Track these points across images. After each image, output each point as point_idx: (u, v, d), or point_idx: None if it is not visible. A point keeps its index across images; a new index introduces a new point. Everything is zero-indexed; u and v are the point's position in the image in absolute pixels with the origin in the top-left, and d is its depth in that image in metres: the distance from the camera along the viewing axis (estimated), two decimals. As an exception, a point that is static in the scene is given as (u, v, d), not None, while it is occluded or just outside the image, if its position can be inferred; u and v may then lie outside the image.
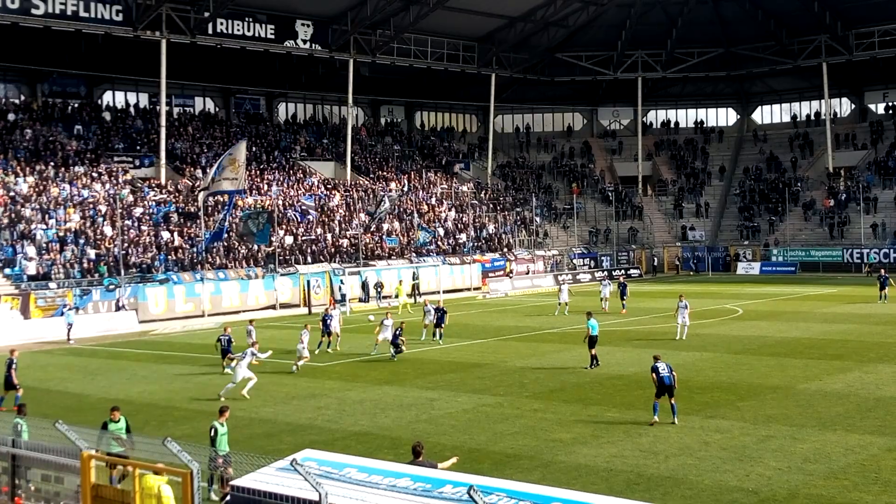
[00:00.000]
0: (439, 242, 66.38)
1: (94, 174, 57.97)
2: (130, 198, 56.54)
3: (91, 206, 54.51)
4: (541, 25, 75.73)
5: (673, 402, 22.31)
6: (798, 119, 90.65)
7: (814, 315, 44.01)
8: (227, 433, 17.83)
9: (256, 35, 64.32)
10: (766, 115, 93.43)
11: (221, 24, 62.24)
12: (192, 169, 63.16)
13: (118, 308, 47.32)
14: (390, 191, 69.94)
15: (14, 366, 26.60)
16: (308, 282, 54.70)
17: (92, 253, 50.45)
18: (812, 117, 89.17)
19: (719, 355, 32.33)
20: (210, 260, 53.27)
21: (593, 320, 31.12)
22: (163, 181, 60.44)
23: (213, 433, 17.59)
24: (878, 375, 27.65)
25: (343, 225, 63.47)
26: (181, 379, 31.17)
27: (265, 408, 25.69)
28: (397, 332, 33.85)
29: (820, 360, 30.72)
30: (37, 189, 54.15)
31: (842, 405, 23.71)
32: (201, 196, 54.95)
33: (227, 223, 53.53)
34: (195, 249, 53.73)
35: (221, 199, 57.02)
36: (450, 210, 72.44)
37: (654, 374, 22.52)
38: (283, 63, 71.11)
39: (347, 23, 67.16)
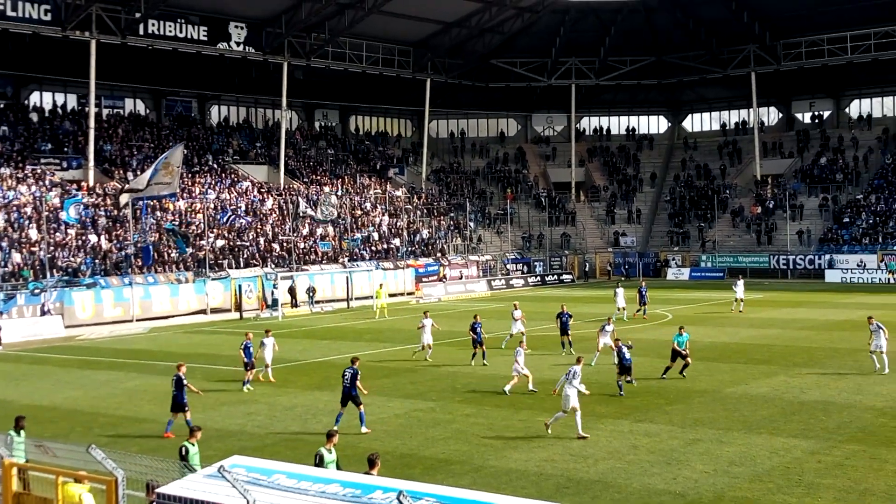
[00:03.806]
0: (373, 247, 66.23)
1: (20, 176, 56.73)
2: (56, 200, 55.42)
3: (16, 208, 53.33)
4: (476, 31, 76.09)
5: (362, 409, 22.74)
6: (727, 127, 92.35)
7: (741, 320, 44.77)
8: (335, 460, 15.66)
9: (189, 37, 63.54)
10: (697, 122, 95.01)
11: (153, 24, 61.38)
12: (121, 171, 62.16)
13: (43, 313, 46.31)
14: (331, 194, 69.67)
15: (185, 383, 22.99)
16: (240, 286, 54.17)
17: (17, 256, 49.36)
18: (741, 126, 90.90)
19: (648, 360, 32.65)
20: (138, 264, 52.42)
21: (684, 334, 29.45)
22: (91, 183, 59.35)
23: (317, 460, 15.49)
24: (802, 380, 28.21)
25: (276, 229, 62.98)
26: (108, 385, 30.63)
27: (194, 413, 25.25)
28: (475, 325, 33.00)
29: (746, 365, 31.26)
30: (-40, 191, 52.86)
31: (767, 409, 24.15)
32: (125, 198, 53.79)
33: (147, 232, 52.32)
34: (123, 253, 52.84)
35: (151, 204, 56.26)
36: (384, 215, 72.34)
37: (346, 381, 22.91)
38: (215, 65, 70.31)
39: (281, 26, 66.72)
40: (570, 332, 35.71)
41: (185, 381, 22.94)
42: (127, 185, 55.19)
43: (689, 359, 29.14)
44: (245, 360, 28.90)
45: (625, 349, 27.71)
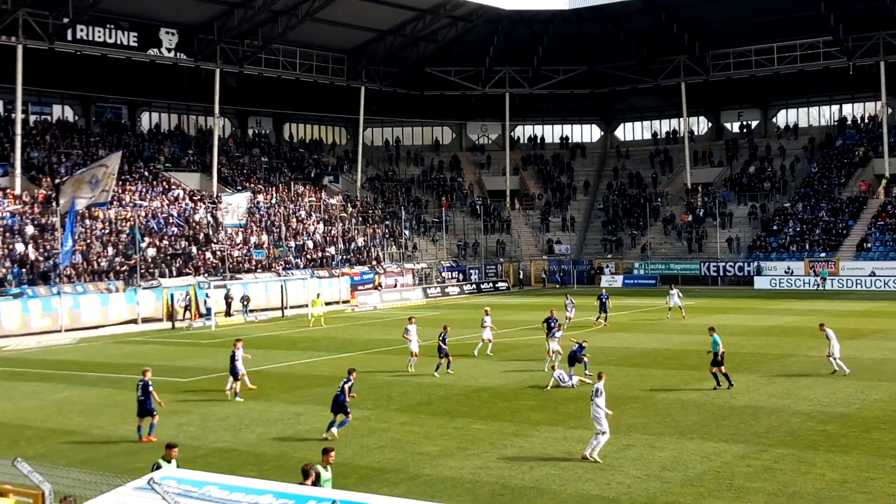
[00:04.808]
0: (308, 255, 65.83)
1: (-56, 183, 55.38)
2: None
3: (-61, 216, 52.04)
4: (410, 40, 76.20)
5: (348, 418, 23.02)
6: (658, 136, 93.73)
7: (673, 327, 45.37)
8: (330, 479, 15.27)
9: (118, 42, 62.59)
10: (629, 131, 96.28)
11: (81, 30, 60.37)
12: (48, 179, 60.87)
13: (-32, 323, 45.22)
14: (257, 203, 69.06)
15: (151, 389, 23.27)
16: (172, 295, 53.41)
17: (-60, 266, 48.14)
18: (671, 135, 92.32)
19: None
20: (68, 273, 51.38)
21: (716, 335, 28.71)
22: (18, 191, 58.11)
23: (314, 478, 14.80)
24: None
25: (209, 237, 62.24)
26: (35, 397, 29.97)
27: (124, 425, 24.92)
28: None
29: (678, 371, 31.66)
30: None
31: (698, 414, 24.48)
32: (81, 203, 52.51)
33: (73, 235, 51.14)
34: (51, 263, 51.79)
35: (80, 212, 55.16)
36: (318, 223, 71.96)
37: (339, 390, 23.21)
38: (146, 71, 69.30)
39: (214, 32, 66.09)
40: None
41: (151, 387, 23.21)
42: (62, 183, 53.83)
43: (720, 369, 28.00)
44: (233, 368, 28.40)
45: (576, 345, 30.00)
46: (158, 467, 15.39)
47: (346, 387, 23.10)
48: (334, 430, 22.65)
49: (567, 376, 29.27)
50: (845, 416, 23.86)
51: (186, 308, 53.20)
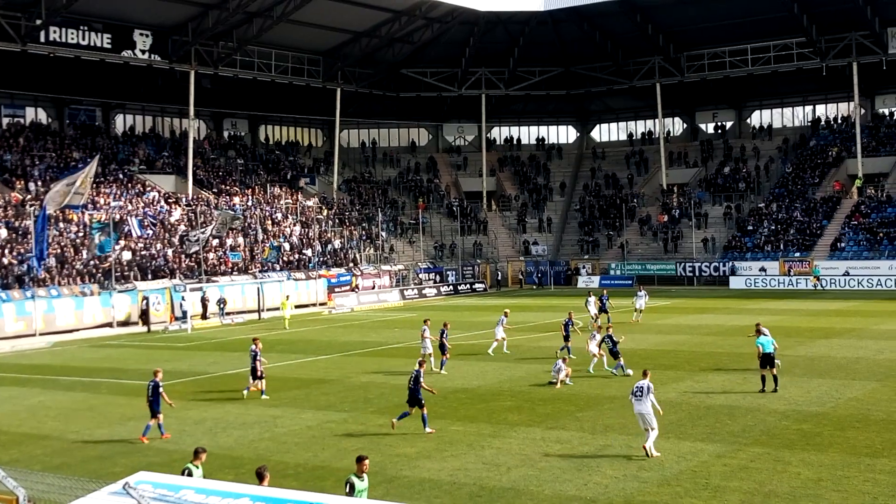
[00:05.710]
0: (285, 258, 65.62)
1: (-85, 186, 54.82)
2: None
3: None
4: (386, 41, 76.12)
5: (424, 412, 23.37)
6: (634, 137, 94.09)
7: (649, 327, 45.54)
8: (367, 489, 14.72)
9: (92, 44, 62.16)
10: (605, 132, 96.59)
11: (54, 32, 59.88)
12: (22, 182, 60.45)
13: (-59, 328, 44.77)
14: (233, 205, 68.81)
15: (161, 390, 23.39)
16: (147, 298, 53.07)
17: (-88, 270, 47.64)
18: (647, 135, 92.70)
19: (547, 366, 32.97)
20: (42, 276, 50.95)
21: (764, 336, 27.64)
22: (-9, 194, 57.68)
23: (348, 489, 14.45)
24: (708, 384, 28.80)
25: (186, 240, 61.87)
26: (9, 402, 29.73)
27: (100, 429, 24.77)
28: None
29: (654, 370, 31.35)
30: None
31: (674, 413, 24.58)
32: (52, 207, 52.15)
33: (45, 239, 50.70)
34: (25, 266, 51.36)
35: (54, 215, 54.76)
36: (295, 225, 71.75)
37: (410, 382, 23.77)
38: (120, 73, 68.83)
39: (188, 34, 65.75)
40: (570, 341, 35.28)
41: (161, 388, 23.32)
42: (48, 194, 53.51)
43: (775, 369, 27.20)
44: (253, 366, 28.67)
45: (611, 343, 31.80)
46: (190, 473, 15.17)
47: (413, 377, 23.53)
48: (427, 429, 23.02)
49: (561, 372, 29.41)
50: (820, 414, 24.03)
51: (145, 311, 52.68)
